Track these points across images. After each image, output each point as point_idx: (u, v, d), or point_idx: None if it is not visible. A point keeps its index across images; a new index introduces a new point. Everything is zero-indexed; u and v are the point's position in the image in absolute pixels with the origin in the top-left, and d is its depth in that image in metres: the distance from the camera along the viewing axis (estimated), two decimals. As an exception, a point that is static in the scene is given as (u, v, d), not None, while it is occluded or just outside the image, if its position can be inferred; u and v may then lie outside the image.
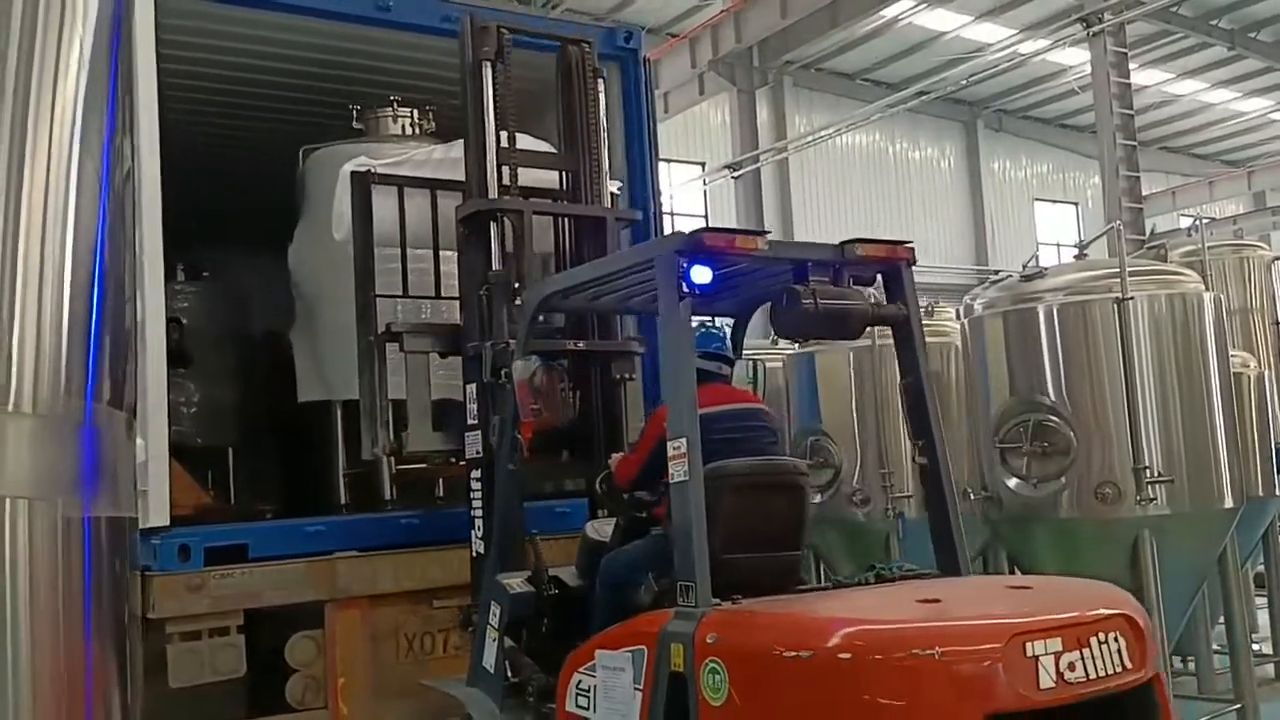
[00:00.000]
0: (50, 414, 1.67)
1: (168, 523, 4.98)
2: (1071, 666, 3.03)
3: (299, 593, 5.25)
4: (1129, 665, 3.17)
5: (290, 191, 6.97)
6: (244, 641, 5.10)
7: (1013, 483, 6.19)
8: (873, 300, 4.06)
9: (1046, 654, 3.00)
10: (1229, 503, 6.12)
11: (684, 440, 3.56)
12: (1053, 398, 6.08)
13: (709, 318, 5.17)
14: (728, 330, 4.82)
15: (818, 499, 7.59)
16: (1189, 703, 6.95)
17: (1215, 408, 6.14)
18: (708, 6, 21.81)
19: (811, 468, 7.61)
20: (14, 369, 1.62)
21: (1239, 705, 6.44)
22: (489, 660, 4.57)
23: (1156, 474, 5.84)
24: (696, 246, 3.67)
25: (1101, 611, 3.24)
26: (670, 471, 3.62)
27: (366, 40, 6.43)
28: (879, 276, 4.08)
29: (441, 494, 6.28)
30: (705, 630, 3.31)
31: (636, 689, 3.55)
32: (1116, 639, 3.16)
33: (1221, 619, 6.97)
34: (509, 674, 4.45)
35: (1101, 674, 3.08)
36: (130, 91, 2.05)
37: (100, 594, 1.77)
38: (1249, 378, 7.18)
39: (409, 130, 6.90)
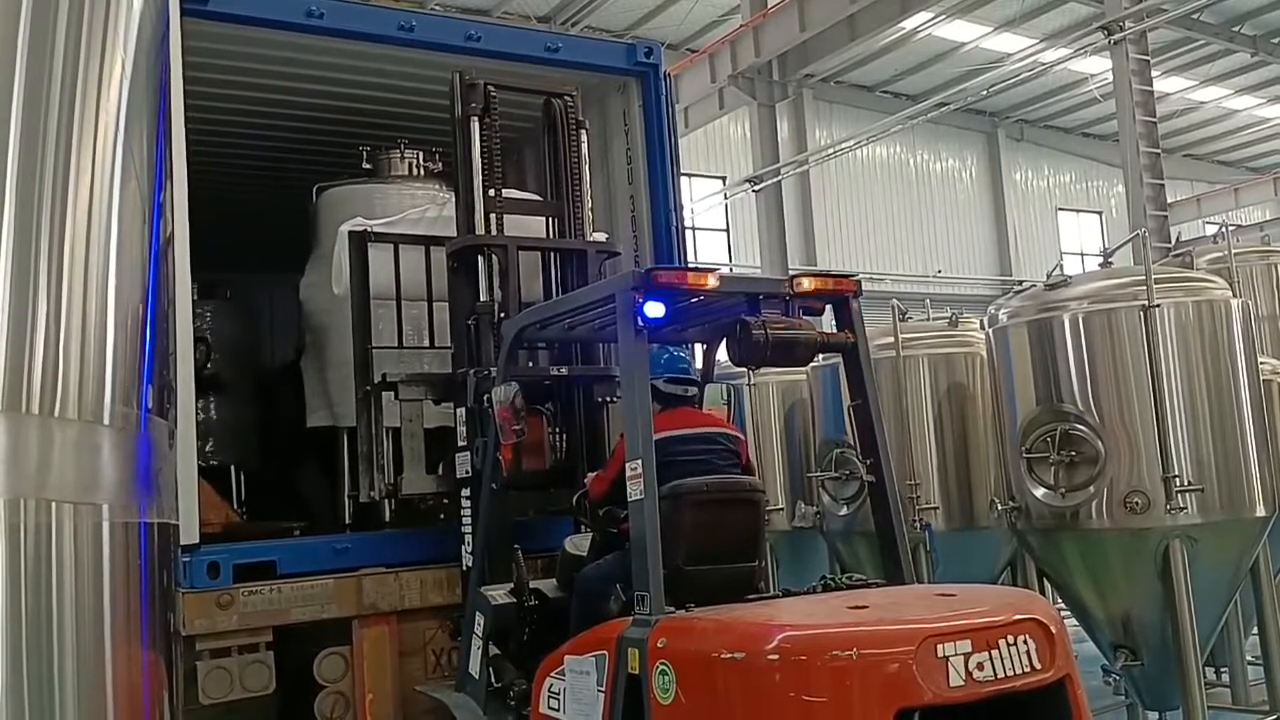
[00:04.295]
0: (96, 420, 1.70)
1: (197, 540, 5.02)
2: (980, 666, 3.30)
3: (327, 609, 5.28)
4: (1038, 666, 3.43)
5: (304, 224, 7.23)
6: (273, 658, 5.13)
7: (1040, 493, 6.15)
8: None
9: (956, 655, 3.28)
10: (1261, 511, 6.06)
11: (640, 462, 3.85)
12: (1080, 407, 6.04)
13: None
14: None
15: (843, 511, 7.56)
16: (1223, 714, 6.87)
17: (1245, 415, 6.08)
18: (727, 21, 21.90)
19: (837, 480, 7.61)
20: (60, 376, 1.65)
21: (1275, 716, 6.36)
22: (474, 667, 4.86)
23: (1186, 482, 5.78)
24: (650, 284, 3.99)
25: (1012, 616, 3.50)
26: (628, 491, 3.91)
27: (384, 75, 6.62)
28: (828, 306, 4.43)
29: (442, 518, 6.36)
30: (657, 636, 3.61)
31: (599, 691, 3.84)
32: (1026, 641, 3.43)
33: (1255, 629, 6.89)
34: (492, 680, 4.75)
35: (1009, 673, 3.35)
36: (170, 109, 2.10)
37: (154, 600, 1.81)
38: (1278, 384, 7.11)
39: (415, 171, 7.19)
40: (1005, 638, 3.39)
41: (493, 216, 5.66)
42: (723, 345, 4.96)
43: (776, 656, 3.29)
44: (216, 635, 5.02)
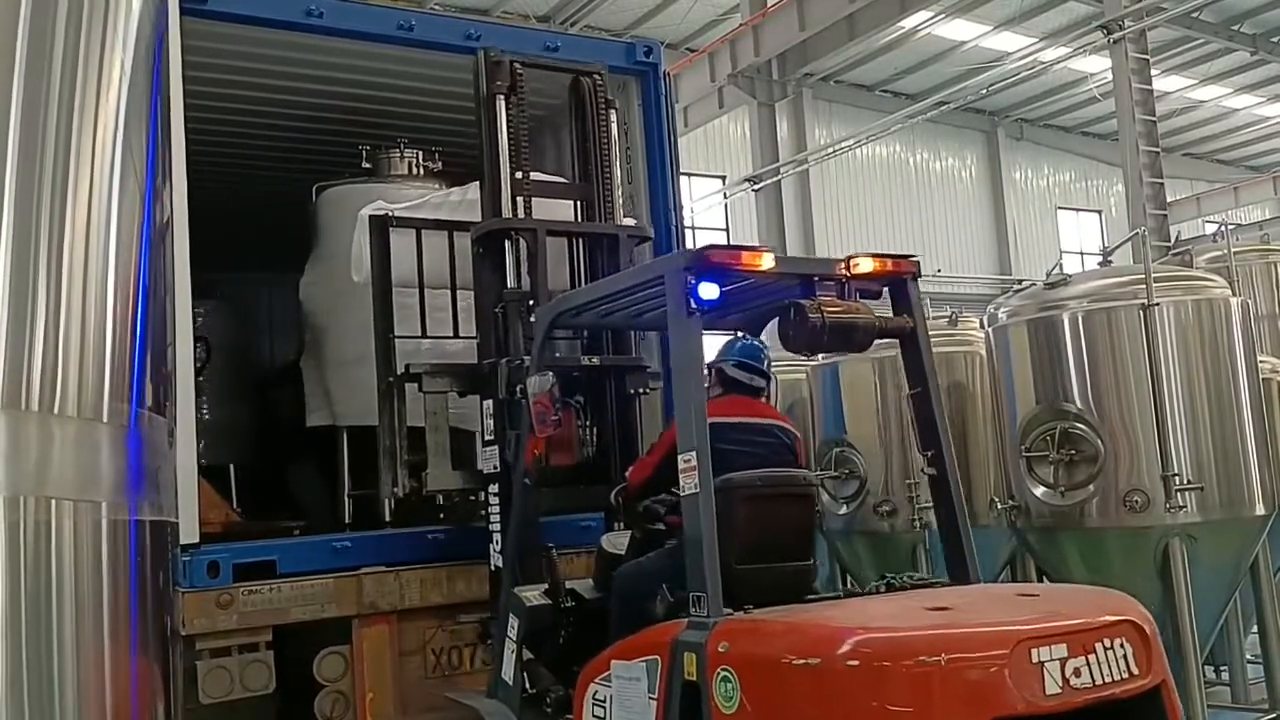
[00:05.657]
0: (96, 418, 1.71)
1: (197, 540, 5.02)
2: (1077, 672, 3.08)
3: (327, 608, 5.27)
4: (1135, 671, 3.21)
5: (302, 224, 7.17)
6: (273, 658, 5.13)
7: (1040, 491, 6.15)
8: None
9: (1052, 660, 3.05)
10: (1260, 509, 6.06)
11: (694, 453, 3.62)
12: (1079, 405, 6.05)
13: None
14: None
15: (843, 510, 7.56)
16: (1223, 712, 6.87)
17: (1244, 413, 6.09)
18: (726, 20, 21.90)
19: (836, 479, 7.61)
20: (60, 373, 1.66)
21: (1274, 715, 6.37)
22: (508, 672, 4.65)
23: (1186, 481, 5.79)
24: (703, 263, 3.74)
25: (1107, 618, 3.28)
26: (681, 484, 3.68)
27: (381, 74, 6.58)
28: (885, 290, 4.16)
29: (443, 516, 6.23)
30: (717, 639, 3.36)
31: (651, 698, 3.60)
32: (1122, 645, 3.21)
33: (1255, 628, 6.89)
34: (527, 686, 4.52)
35: (1107, 680, 3.13)
36: (168, 108, 2.10)
37: (145, 597, 1.80)
38: (1277, 382, 7.12)
39: (415, 170, 7.11)
40: (1102, 641, 3.17)
41: (520, 200, 5.43)
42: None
43: (856, 661, 3.04)
44: (216, 634, 5.01)
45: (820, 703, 3.07)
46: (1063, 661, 3.06)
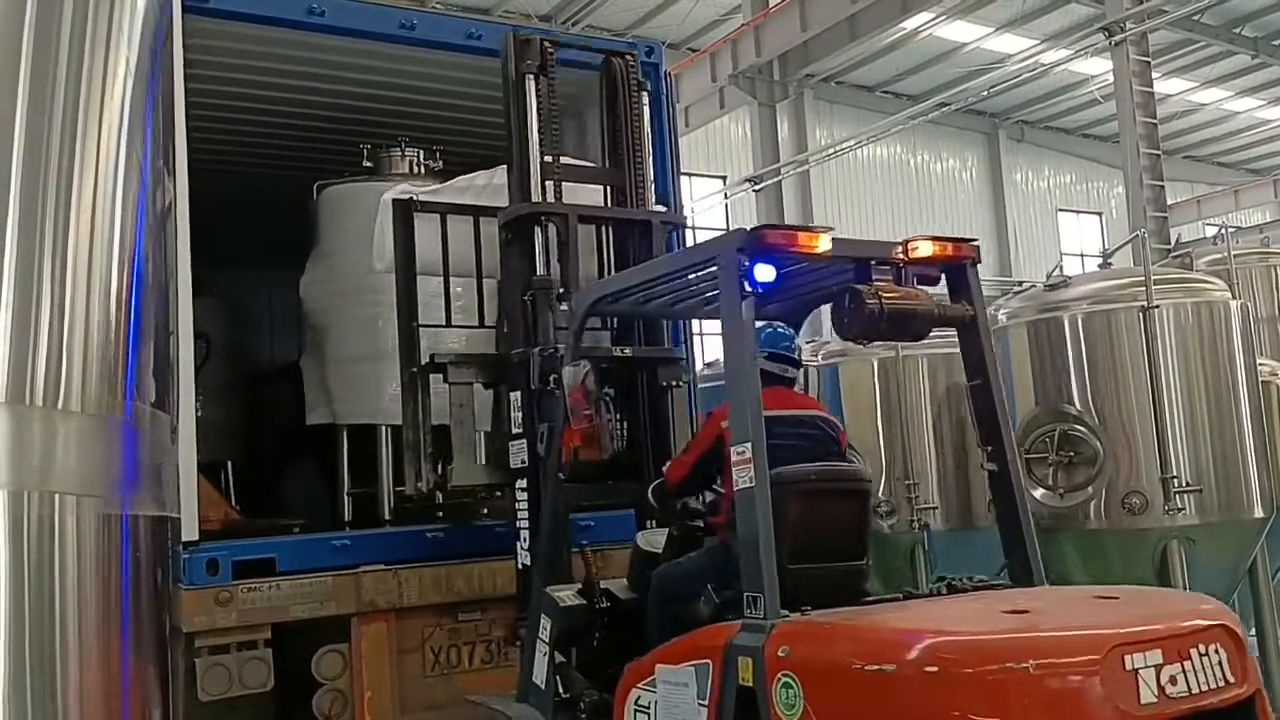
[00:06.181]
0: (99, 413, 1.72)
1: (196, 537, 5.03)
2: (1173, 680, 2.91)
3: (326, 607, 5.27)
4: (1231, 679, 3.04)
5: (303, 222, 7.15)
6: (272, 655, 5.13)
7: (1039, 493, 6.16)
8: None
9: (1147, 667, 2.87)
10: (1259, 512, 6.07)
11: (749, 445, 3.44)
12: (1079, 407, 6.06)
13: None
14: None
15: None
16: (1221, 715, 6.87)
17: (1243, 416, 6.09)
18: (728, 21, 21.90)
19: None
20: (64, 369, 1.66)
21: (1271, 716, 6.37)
22: (539, 675, 4.46)
23: (1184, 483, 5.80)
24: (759, 244, 3.55)
25: (1200, 622, 3.11)
26: (735, 478, 3.52)
27: (383, 73, 6.58)
28: (943, 276, 3.96)
29: (441, 515, 6.15)
30: (776, 643, 3.20)
31: (701, 704, 3.43)
32: (1218, 651, 3.04)
33: (1253, 630, 6.90)
34: (560, 690, 4.35)
35: (1203, 688, 2.96)
36: (171, 105, 2.11)
37: (139, 592, 1.81)
38: (1277, 386, 7.12)
39: (417, 169, 7.05)
40: (1197, 647, 2.98)
41: (549, 184, 5.26)
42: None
43: (934, 668, 2.83)
44: (215, 632, 5.02)
45: (893, 711, 2.89)
46: (1158, 668, 2.88)
